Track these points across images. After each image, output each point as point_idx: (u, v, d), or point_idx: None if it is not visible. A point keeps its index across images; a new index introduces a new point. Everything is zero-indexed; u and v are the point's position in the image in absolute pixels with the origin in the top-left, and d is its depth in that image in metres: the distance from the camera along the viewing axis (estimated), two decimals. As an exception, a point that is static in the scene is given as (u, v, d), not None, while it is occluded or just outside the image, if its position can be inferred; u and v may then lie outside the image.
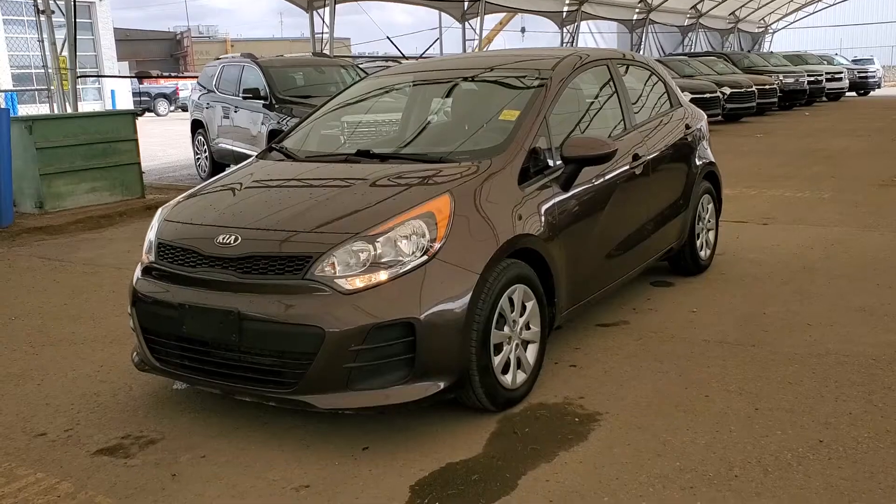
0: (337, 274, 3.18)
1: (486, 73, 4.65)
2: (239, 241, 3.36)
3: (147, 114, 37.06)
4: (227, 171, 4.28)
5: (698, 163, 5.56)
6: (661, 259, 5.38)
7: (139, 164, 10.50)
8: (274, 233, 3.36)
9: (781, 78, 23.59)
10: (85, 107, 35.27)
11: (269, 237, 3.35)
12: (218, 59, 13.88)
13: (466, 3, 21.40)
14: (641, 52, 29.41)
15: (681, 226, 5.36)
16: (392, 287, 3.18)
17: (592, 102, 4.80)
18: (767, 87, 21.62)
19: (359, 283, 3.16)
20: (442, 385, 3.24)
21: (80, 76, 12.42)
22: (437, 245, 3.28)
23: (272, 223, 3.43)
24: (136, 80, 38.82)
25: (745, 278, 5.65)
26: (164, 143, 20.17)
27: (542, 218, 3.78)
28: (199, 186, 4.14)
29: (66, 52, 11.96)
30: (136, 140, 10.42)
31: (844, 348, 4.20)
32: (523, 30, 35.76)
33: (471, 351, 3.31)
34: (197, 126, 12.95)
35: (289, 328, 3.15)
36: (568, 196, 3.98)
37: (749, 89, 20.27)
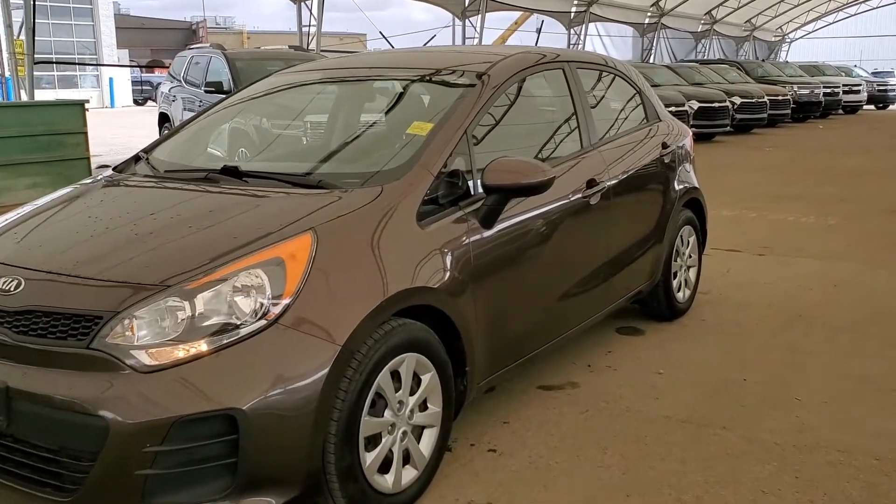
0: (135, 342, 2.32)
1: (408, 74, 3.77)
2: (21, 287, 2.50)
3: (149, 103, 36.32)
4: (69, 187, 3.42)
5: (678, 188, 4.67)
6: (629, 302, 4.49)
7: (88, 158, 9.69)
8: (64, 279, 2.49)
9: (796, 89, 22.61)
10: (82, 94, 34.62)
11: (57, 285, 2.48)
12: (189, 48, 13.07)
13: (467, 0, 20.52)
14: (652, 58, 28.56)
15: (653, 264, 4.48)
16: (210, 364, 2.31)
17: (539, 114, 3.92)
18: (780, 97, 20.66)
19: (163, 356, 2.30)
20: (280, 500, 2.37)
21: (38, 62, 11.69)
22: (282, 304, 2.41)
23: (66, 265, 2.55)
24: (137, 68, 38.06)
25: (728, 327, 4.75)
26: (153, 135, 19.37)
27: (450, 264, 2.90)
28: (23, 207, 3.28)
29: (23, 36, 11.14)
30: (86, 133, 9.61)
31: (840, 439, 3.30)
32: (539, 30, 34.87)
33: (327, 449, 2.44)
34: (164, 120, 12.16)
35: (65, 415, 2.29)
36: (490, 234, 3.10)
37: (760, 100, 19.32)
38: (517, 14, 30.03)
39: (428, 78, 3.68)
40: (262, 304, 2.39)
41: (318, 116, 3.91)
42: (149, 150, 3.66)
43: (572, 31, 24.09)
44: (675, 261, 4.76)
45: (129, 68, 36.90)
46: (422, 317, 2.81)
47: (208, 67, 11.00)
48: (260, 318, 2.37)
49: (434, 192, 2.96)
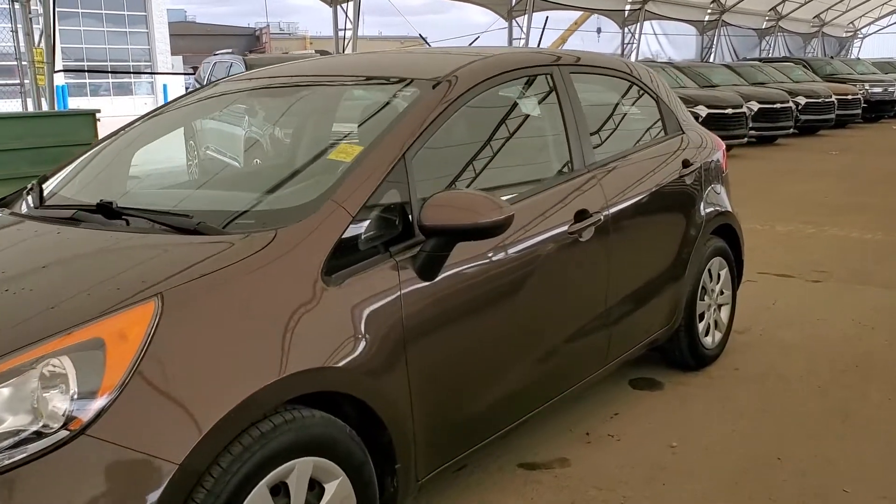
0: None
1: (349, 83, 3.09)
2: None
3: (202, 109, 36.35)
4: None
5: (704, 214, 3.88)
6: (644, 351, 3.73)
7: (99, 171, 9.28)
8: None
9: (867, 87, 21.23)
10: (137, 101, 34.87)
11: None
12: (214, 54, 12.66)
13: (513, 0, 19.74)
14: (713, 57, 27.22)
15: (671, 306, 3.71)
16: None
17: (514, 131, 3.19)
18: (850, 96, 19.37)
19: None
20: None
21: (59, 70, 11.37)
22: (95, 405, 1.75)
23: None
24: (191, 75, 38.14)
25: (766, 381, 3.94)
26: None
27: (372, 330, 2.21)
28: None
29: (43, 45, 10.83)
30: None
31: (899, 558, 2.51)
32: (599, 30, 33.87)
33: None
34: (188, 128, 11.74)
35: None
36: (433, 288, 2.40)
37: (827, 99, 18.09)
38: (577, 14, 29.11)
39: (372, 87, 3.00)
40: (62, 409, 1.73)
41: (238, 136, 3.24)
42: (45, 178, 3.05)
43: (626, 30, 23.09)
44: (702, 300, 3.97)
45: (184, 75, 37.08)
46: (327, 407, 2.13)
47: (228, 74, 10.53)
48: (61, 428, 1.72)
49: (354, 235, 2.27)
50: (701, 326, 3.99)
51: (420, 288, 2.37)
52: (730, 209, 4.18)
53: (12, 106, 11.80)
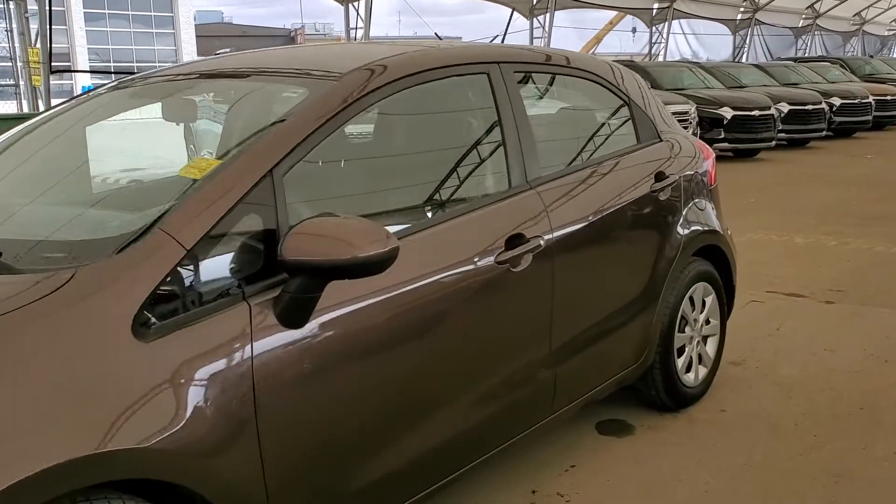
0: None
1: (241, 86, 2.65)
2: None
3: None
4: None
5: (684, 234, 3.38)
6: (607, 393, 3.24)
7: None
8: None
9: (908, 87, 20.33)
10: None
11: None
12: (217, 53, 12.32)
13: (535, -1, 19.22)
14: (745, 57, 26.33)
15: (641, 340, 3.22)
16: None
17: (432, 142, 2.72)
18: (889, 97, 18.52)
19: None
20: None
21: (56, 71, 11.12)
22: None
23: None
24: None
25: (755, 427, 3.42)
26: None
27: (204, 400, 1.77)
28: None
29: (39, 44, 10.57)
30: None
31: None
32: (634, 30, 33.17)
33: None
34: (189, 131, 11.41)
35: None
36: (298, 338, 1.95)
37: (864, 100, 17.28)
38: (613, 14, 28.43)
39: (263, 86, 2.55)
40: None
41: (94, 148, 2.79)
42: None
43: (655, 30, 22.40)
44: (682, 332, 3.47)
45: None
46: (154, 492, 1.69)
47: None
48: None
49: (188, 273, 1.83)
50: (680, 362, 3.48)
51: (281, 338, 1.92)
52: (718, 228, 3.67)
53: (9, 107, 11.60)
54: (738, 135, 13.16)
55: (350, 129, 2.34)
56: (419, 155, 2.61)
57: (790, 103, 14.97)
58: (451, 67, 2.63)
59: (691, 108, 12.06)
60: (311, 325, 1.96)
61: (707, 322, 3.66)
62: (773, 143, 13.79)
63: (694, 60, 20.57)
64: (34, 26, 10.67)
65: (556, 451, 3.18)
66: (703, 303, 3.62)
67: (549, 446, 3.20)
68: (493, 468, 2.88)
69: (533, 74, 2.97)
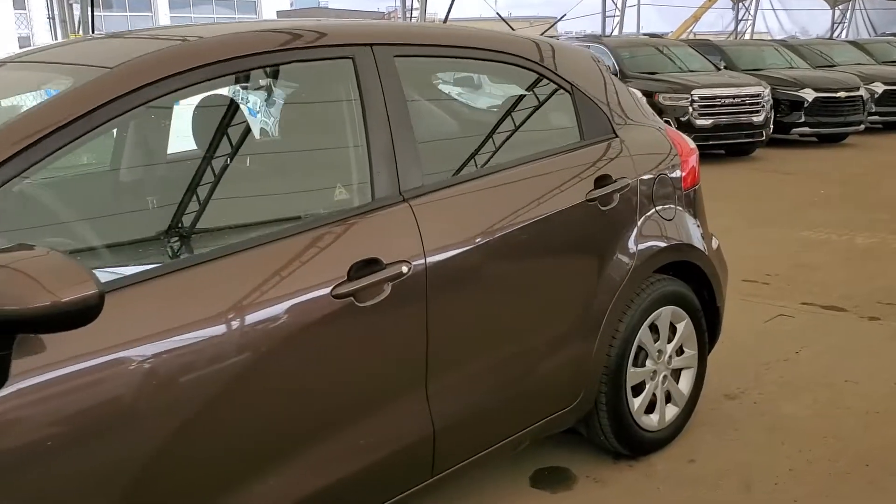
0: None
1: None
2: None
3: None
4: None
5: (637, 248, 2.78)
6: (529, 441, 2.71)
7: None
8: None
9: None
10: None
11: None
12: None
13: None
14: (846, 33, 24.39)
15: (572, 378, 2.67)
16: None
17: (257, 147, 2.23)
18: None
19: None
20: None
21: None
22: None
23: None
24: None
25: (726, 486, 2.82)
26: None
27: None
28: None
29: (81, 31, 10.55)
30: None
31: None
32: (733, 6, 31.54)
33: None
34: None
35: None
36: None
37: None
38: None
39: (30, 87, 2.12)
40: None
41: None
42: None
43: (741, 5, 21.04)
44: (639, 366, 2.89)
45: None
46: None
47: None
48: None
49: None
50: (637, 401, 2.90)
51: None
52: (694, 240, 3.05)
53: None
54: (822, 118, 12.07)
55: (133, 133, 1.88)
56: (228, 165, 2.13)
57: (886, 83, 13.69)
58: (284, 53, 2.10)
59: (764, 90, 11.08)
60: (14, 390, 1.53)
61: (679, 353, 3.06)
62: (863, 127, 12.61)
63: (783, 38, 19.21)
64: (77, 13, 10.65)
65: (476, 502, 2.68)
66: (674, 330, 3.02)
67: (476, 494, 2.70)
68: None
69: (424, 58, 2.44)
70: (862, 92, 12.48)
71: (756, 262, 5.75)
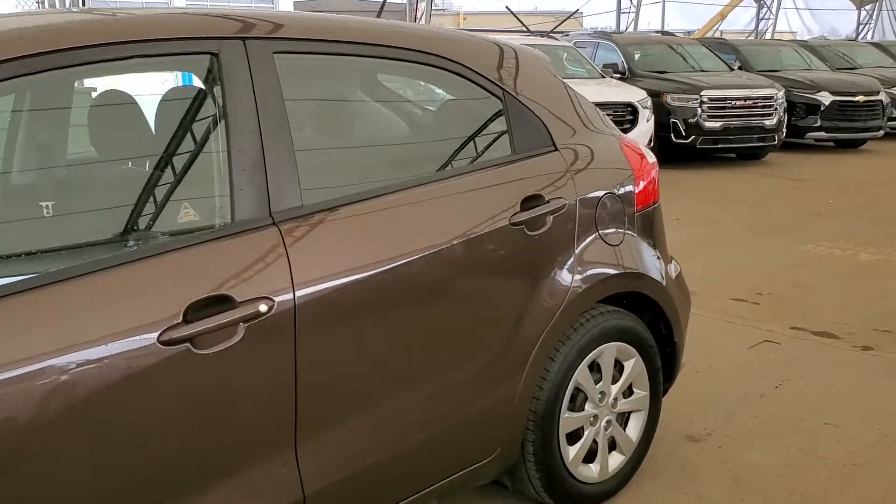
0: None
1: None
2: None
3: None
4: None
5: (570, 279, 2.42)
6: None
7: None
8: None
9: None
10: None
11: None
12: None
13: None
14: (872, 34, 23.67)
15: (490, 427, 2.32)
16: None
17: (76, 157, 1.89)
18: None
19: None
20: None
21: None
22: None
23: None
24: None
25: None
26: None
27: None
28: None
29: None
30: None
31: None
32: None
33: None
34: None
35: None
36: None
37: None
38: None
39: None
40: None
41: None
42: None
43: (763, 3, 20.46)
44: (576, 410, 2.54)
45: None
46: None
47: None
48: None
49: None
50: (573, 450, 2.55)
51: None
52: (646, 268, 2.69)
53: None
54: (839, 123, 11.59)
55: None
56: (36, 179, 1.80)
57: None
58: (118, 47, 1.77)
59: (778, 92, 10.63)
60: None
61: (627, 394, 2.71)
62: (882, 133, 12.12)
63: (809, 39, 18.65)
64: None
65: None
66: (621, 369, 2.67)
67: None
68: None
69: (315, 56, 2.09)
70: (882, 97, 11.99)
71: (750, 278, 5.37)
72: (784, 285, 5.27)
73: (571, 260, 2.43)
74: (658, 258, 2.78)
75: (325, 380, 1.90)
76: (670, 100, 10.26)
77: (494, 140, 2.42)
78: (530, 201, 2.33)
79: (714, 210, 7.72)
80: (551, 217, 2.38)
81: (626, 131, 8.87)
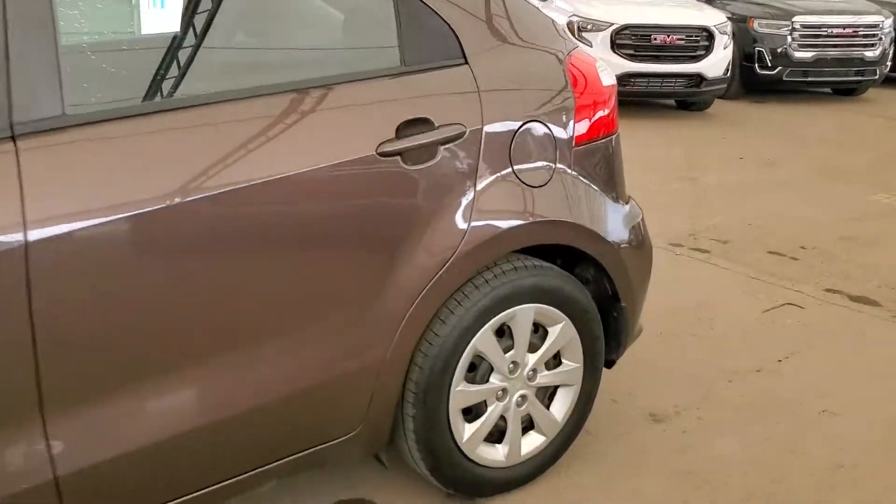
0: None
1: None
2: None
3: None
4: None
5: (463, 226, 1.94)
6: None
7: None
8: None
9: None
10: None
11: None
12: None
13: None
14: None
15: (347, 400, 1.92)
16: None
17: None
18: None
19: None
20: None
21: None
22: None
23: None
24: None
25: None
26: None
27: None
28: None
29: None
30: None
31: None
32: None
33: None
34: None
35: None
36: None
37: None
38: None
39: None
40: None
41: None
42: None
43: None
44: (477, 382, 2.10)
45: None
46: None
47: None
48: None
49: None
50: (469, 430, 2.13)
51: None
52: (578, 217, 2.18)
53: None
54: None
55: None
56: None
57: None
58: None
59: (885, 20, 9.47)
60: None
61: (553, 365, 2.25)
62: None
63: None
64: None
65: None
66: (544, 336, 2.21)
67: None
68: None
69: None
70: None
71: (798, 229, 4.73)
72: (833, 239, 4.60)
73: (467, 202, 1.96)
74: (606, 204, 2.27)
75: (77, 339, 1.53)
76: (757, 26, 9.27)
77: (377, 47, 1.95)
78: (410, 126, 1.86)
79: (785, 150, 6.93)
80: (441, 148, 1.90)
81: (699, 58, 8.06)
